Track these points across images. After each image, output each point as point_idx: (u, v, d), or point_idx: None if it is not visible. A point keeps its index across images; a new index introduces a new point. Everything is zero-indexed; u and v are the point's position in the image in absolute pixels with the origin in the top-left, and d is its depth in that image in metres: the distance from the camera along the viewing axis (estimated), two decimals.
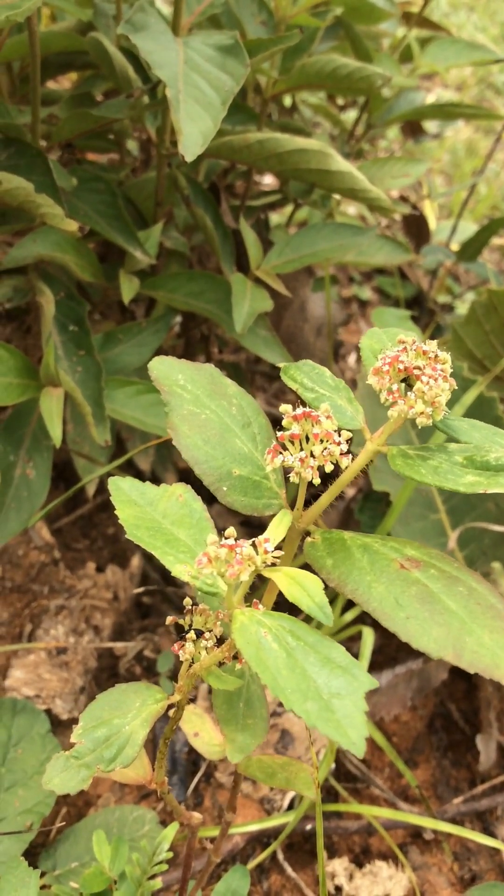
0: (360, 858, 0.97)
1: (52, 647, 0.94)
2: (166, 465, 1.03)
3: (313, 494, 0.44)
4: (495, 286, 1.37)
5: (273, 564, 0.37)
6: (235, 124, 1.00)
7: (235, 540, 0.36)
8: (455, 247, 1.60)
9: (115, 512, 0.42)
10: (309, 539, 0.42)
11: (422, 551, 0.40)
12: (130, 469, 1.06)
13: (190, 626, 0.46)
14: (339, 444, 0.39)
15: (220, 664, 0.46)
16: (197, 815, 0.64)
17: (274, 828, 0.93)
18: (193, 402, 0.44)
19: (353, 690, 0.35)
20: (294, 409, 0.40)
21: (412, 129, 1.90)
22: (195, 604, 0.47)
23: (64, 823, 0.92)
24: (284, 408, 0.40)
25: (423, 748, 1.10)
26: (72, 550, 1.08)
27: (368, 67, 0.85)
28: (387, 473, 0.99)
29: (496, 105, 2.67)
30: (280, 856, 0.94)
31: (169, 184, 0.85)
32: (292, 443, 0.40)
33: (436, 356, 0.40)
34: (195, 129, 0.57)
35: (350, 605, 1.06)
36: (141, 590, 1.03)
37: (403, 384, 0.40)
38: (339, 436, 0.40)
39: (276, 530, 0.39)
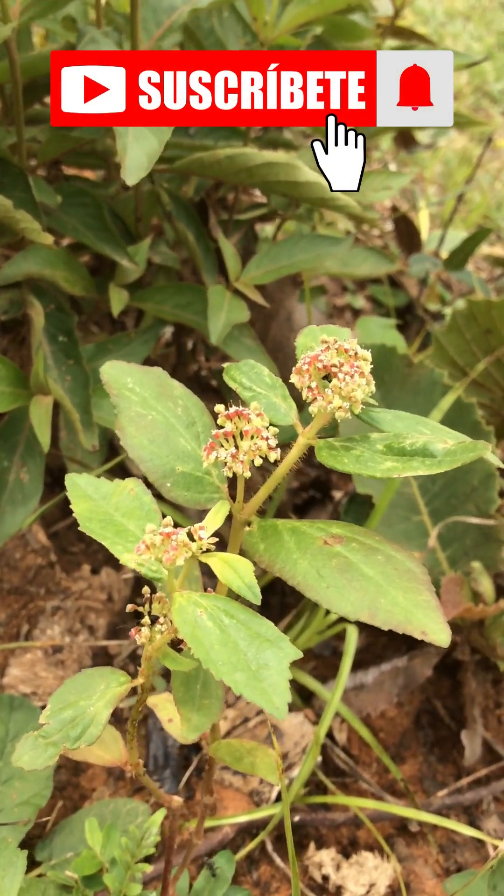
0: (348, 850, 1.00)
1: (48, 645, 0.98)
2: None
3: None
4: (480, 295, 1.41)
5: (208, 551, 0.41)
6: (219, 140, 1.05)
7: (173, 528, 0.40)
8: (445, 255, 1.63)
9: (70, 506, 0.46)
10: (247, 528, 0.45)
11: (346, 528, 0.43)
12: (123, 473, 1.10)
13: (148, 612, 0.50)
14: (266, 439, 0.43)
15: (179, 649, 0.50)
16: (177, 799, 0.67)
17: (263, 819, 0.96)
18: (141, 403, 0.49)
19: (280, 660, 0.38)
20: (227, 408, 0.44)
21: (405, 139, 1.94)
22: (153, 591, 0.50)
23: (57, 816, 0.95)
24: (219, 407, 0.44)
25: (409, 744, 1.13)
26: (67, 553, 1.12)
27: None
28: (372, 483, 1.02)
29: (492, 113, 2.70)
30: (269, 846, 0.97)
31: (153, 199, 0.90)
32: (226, 439, 0.44)
33: (356, 354, 0.44)
34: (140, 152, 0.63)
35: None
36: (132, 608, 1.07)
37: (325, 381, 0.44)
38: (268, 431, 0.43)
39: (214, 519, 0.43)
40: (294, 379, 0.45)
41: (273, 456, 0.43)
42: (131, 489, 0.47)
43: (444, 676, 1.18)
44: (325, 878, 0.96)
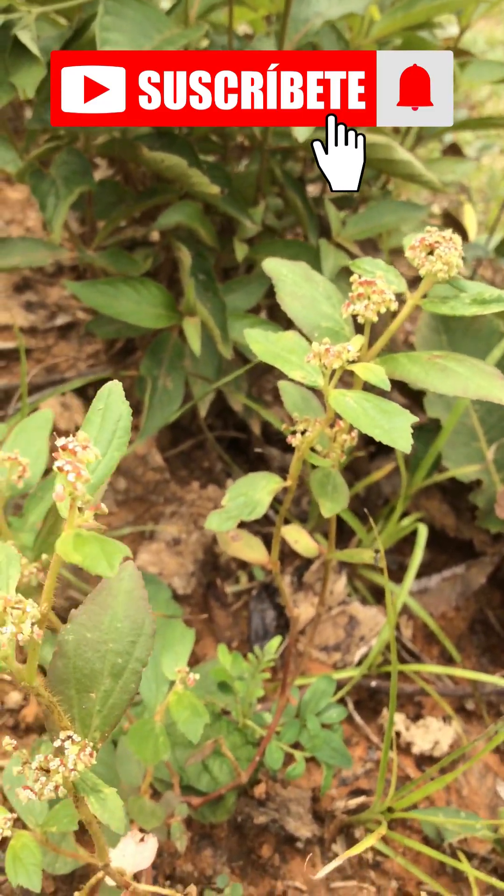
0: (415, 716, 1.19)
1: (169, 538, 1.20)
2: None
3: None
4: None
5: (353, 362, 0.62)
6: None
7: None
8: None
9: (251, 347, 0.68)
10: (378, 358, 0.67)
11: (443, 353, 0.64)
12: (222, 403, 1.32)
13: (301, 431, 0.71)
14: (388, 297, 0.64)
15: (313, 467, 0.72)
16: (298, 610, 0.88)
17: (344, 680, 1.16)
18: (293, 284, 0.70)
19: (403, 421, 0.59)
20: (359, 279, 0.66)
21: (453, 151, 2.16)
22: (295, 429, 0.72)
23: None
24: (354, 277, 0.66)
25: (464, 646, 1.32)
26: (177, 475, 1.34)
27: None
28: (438, 404, 1.23)
29: None
30: (350, 706, 1.17)
31: (266, 175, 1.13)
32: (359, 298, 0.66)
33: (451, 238, 0.65)
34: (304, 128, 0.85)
35: (406, 514, 1.30)
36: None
37: (429, 255, 0.65)
38: (389, 292, 0.65)
39: (355, 344, 0.64)
40: (408, 254, 0.66)
41: (393, 307, 0.65)
42: (291, 336, 0.69)
43: (497, 589, 1.37)
44: (398, 734, 1.15)
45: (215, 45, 1.10)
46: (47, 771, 0.50)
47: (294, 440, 0.70)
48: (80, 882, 0.92)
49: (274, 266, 0.72)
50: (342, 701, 1.17)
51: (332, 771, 0.95)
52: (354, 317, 0.67)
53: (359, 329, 0.68)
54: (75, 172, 0.97)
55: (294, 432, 0.71)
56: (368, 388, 0.66)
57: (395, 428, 0.58)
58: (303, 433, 0.70)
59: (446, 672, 1.15)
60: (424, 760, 1.14)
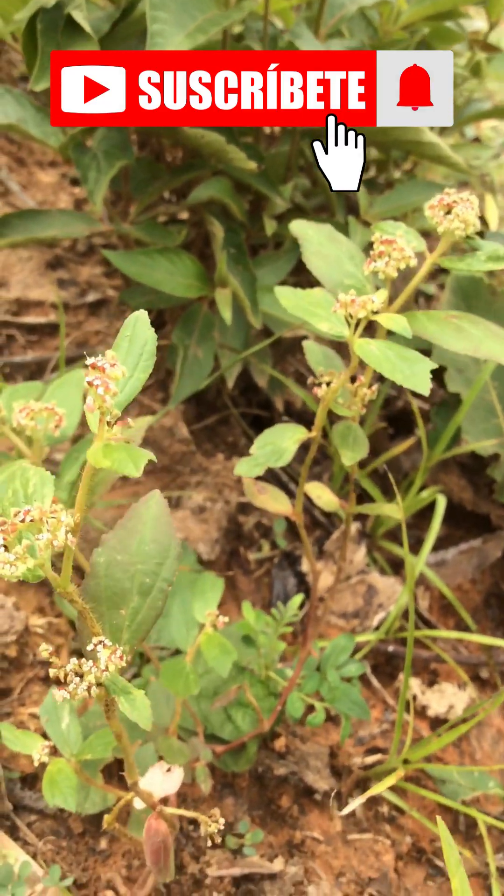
0: (430, 681, 1.23)
1: (195, 505, 1.24)
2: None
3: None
4: None
5: (376, 312, 0.67)
6: None
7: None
8: None
9: (281, 302, 0.72)
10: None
11: (460, 314, 0.68)
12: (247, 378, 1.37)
13: (328, 383, 0.75)
14: (406, 251, 0.68)
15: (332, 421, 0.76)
16: (320, 565, 0.92)
17: (361, 644, 1.19)
18: (318, 244, 0.74)
19: (423, 366, 0.63)
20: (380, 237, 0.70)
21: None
22: (320, 380, 0.76)
23: None
24: (375, 236, 0.70)
25: (479, 619, 1.35)
26: (202, 448, 1.39)
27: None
28: (458, 380, 1.26)
29: None
30: (367, 671, 1.20)
31: (296, 155, 1.17)
32: (380, 256, 0.70)
33: (468, 199, 0.69)
34: None
35: (424, 488, 1.33)
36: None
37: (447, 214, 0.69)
38: (409, 249, 0.69)
39: (380, 296, 0.68)
40: (427, 213, 0.70)
41: (413, 263, 0.69)
42: (318, 292, 0.73)
43: None
44: (414, 697, 1.19)
45: (251, 31, 1.15)
46: (80, 675, 0.55)
47: (319, 391, 0.74)
48: None
49: (300, 227, 0.76)
50: None
51: (350, 723, 0.99)
52: (376, 276, 0.71)
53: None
54: (116, 147, 1.02)
55: (319, 384, 0.75)
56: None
57: (415, 373, 0.62)
58: (328, 385, 0.74)
59: (462, 637, 1.18)
60: (439, 724, 1.17)
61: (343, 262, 0.74)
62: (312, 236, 0.75)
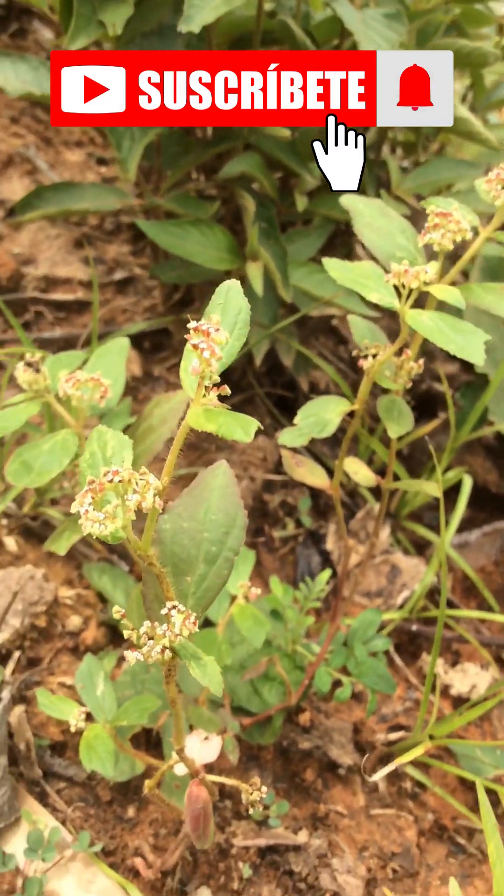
0: (454, 662, 1.23)
1: None
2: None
3: None
4: None
5: (428, 284, 0.66)
6: None
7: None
8: None
9: (330, 273, 0.72)
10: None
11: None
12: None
13: (374, 355, 0.75)
14: (462, 223, 0.68)
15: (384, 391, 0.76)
16: (351, 541, 0.92)
17: (385, 622, 1.20)
18: (370, 216, 0.74)
19: (477, 338, 0.63)
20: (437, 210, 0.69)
21: None
22: (366, 352, 0.76)
23: None
24: (431, 209, 0.70)
25: (502, 600, 1.36)
26: None
27: (483, 47, 1.15)
28: (486, 361, 1.26)
29: None
30: (391, 650, 1.21)
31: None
32: (435, 228, 0.69)
33: None
34: None
35: (449, 467, 1.33)
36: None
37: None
38: (465, 223, 0.69)
39: (432, 268, 0.68)
40: (485, 186, 0.70)
41: (468, 236, 0.69)
42: (367, 264, 0.73)
43: None
44: (436, 675, 1.19)
45: (283, 7, 1.14)
46: (151, 637, 0.55)
47: (365, 363, 0.74)
48: (133, 794, 0.98)
49: (351, 201, 0.76)
50: None
51: (376, 697, 0.99)
52: (427, 250, 0.71)
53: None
54: None
55: (366, 356, 0.75)
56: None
57: (469, 343, 0.62)
58: (374, 357, 0.74)
59: (485, 617, 1.18)
60: (461, 703, 1.18)
61: (395, 235, 0.74)
62: (363, 209, 0.75)
